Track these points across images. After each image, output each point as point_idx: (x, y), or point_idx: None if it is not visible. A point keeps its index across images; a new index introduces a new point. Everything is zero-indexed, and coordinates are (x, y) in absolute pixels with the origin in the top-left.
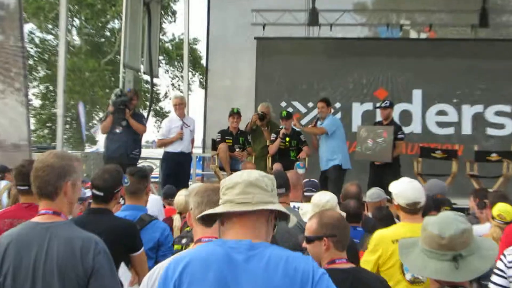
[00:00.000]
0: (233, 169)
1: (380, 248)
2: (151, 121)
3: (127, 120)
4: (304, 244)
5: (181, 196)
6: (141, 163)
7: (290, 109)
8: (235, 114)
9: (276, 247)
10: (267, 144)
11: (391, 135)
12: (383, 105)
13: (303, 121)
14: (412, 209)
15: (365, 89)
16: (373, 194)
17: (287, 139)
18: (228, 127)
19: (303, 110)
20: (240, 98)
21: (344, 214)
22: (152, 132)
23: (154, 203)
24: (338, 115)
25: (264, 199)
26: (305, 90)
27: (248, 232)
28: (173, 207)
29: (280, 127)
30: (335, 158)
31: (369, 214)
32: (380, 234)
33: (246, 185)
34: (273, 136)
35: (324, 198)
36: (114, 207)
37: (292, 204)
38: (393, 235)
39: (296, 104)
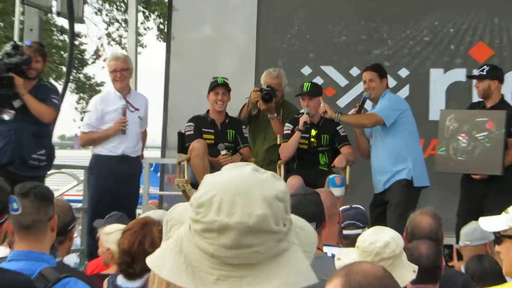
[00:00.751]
0: None
1: None
2: (69, 101)
3: (22, 98)
4: None
5: (112, 236)
6: (51, 176)
7: (319, 80)
8: (221, 87)
9: None
10: (278, 143)
11: (501, 126)
12: (479, 73)
13: (342, 102)
14: None
15: (452, 45)
16: (473, 232)
17: (313, 132)
18: (208, 112)
19: (341, 81)
20: (230, 59)
21: (415, 268)
22: (72, 120)
23: None
24: (404, 92)
25: (272, 249)
26: (345, 45)
27: None
28: None
29: (301, 111)
30: (401, 169)
31: (461, 267)
32: None
33: (242, 233)
34: (287, 127)
35: (381, 240)
36: None
37: (324, 249)
38: None
39: (329, 70)
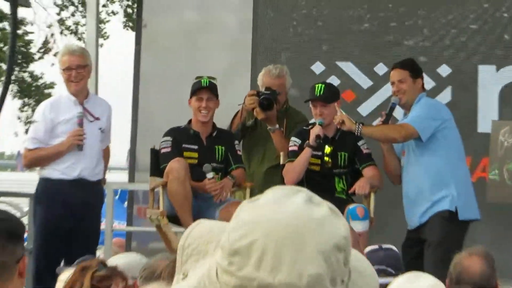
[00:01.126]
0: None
1: None
2: (10, 107)
3: None
4: None
5: (57, 285)
6: None
7: (334, 80)
8: (205, 91)
9: None
10: (281, 163)
11: None
12: None
13: (364, 109)
14: None
15: (507, 34)
16: None
17: (327, 149)
18: (190, 123)
19: (363, 82)
20: (219, 53)
21: None
22: (13, 133)
23: None
24: (445, 95)
25: None
26: (369, 34)
27: None
28: None
29: (311, 121)
30: (442, 197)
31: None
32: None
33: None
34: (293, 142)
35: None
36: None
37: None
38: None
39: (348, 67)
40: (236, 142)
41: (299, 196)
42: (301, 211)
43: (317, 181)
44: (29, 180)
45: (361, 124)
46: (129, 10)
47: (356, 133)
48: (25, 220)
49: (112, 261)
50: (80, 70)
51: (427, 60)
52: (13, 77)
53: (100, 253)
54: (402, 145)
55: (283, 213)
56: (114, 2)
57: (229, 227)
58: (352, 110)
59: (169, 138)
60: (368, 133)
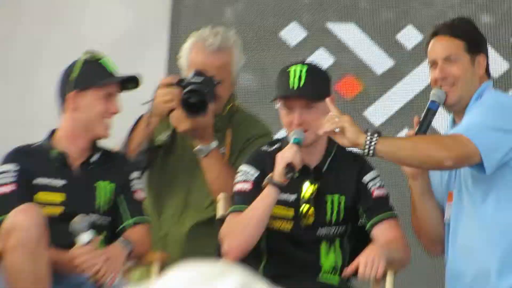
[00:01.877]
0: None
1: None
2: None
3: None
4: None
5: None
6: None
7: (323, 57)
8: (116, 84)
9: None
10: (218, 214)
11: None
12: None
13: (379, 113)
14: None
15: None
16: None
17: (307, 191)
18: (51, 136)
19: (377, 61)
20: (111, 8)
21: None
22: None
23: None
24: None
25: None
26: None
27: None
28: None
29: (278, 137)
30: None
31: None
32: None
33: None
34: (245, 175)
35: None
36: None
37: None
38: None
39: (348, 33)
40: (136, 175)
41: (228, 282)
42: None
43: (287, 250)
44: None
45: (375, 135)
46: None
47: (365, 153)
48: None
49: None
50: None
51: (492, 22)
52: None
53: None
54: (447, 181)
55: None
56: None
57: None
58: (356, 113)
59: (11, 166)
60: (388, 152)
